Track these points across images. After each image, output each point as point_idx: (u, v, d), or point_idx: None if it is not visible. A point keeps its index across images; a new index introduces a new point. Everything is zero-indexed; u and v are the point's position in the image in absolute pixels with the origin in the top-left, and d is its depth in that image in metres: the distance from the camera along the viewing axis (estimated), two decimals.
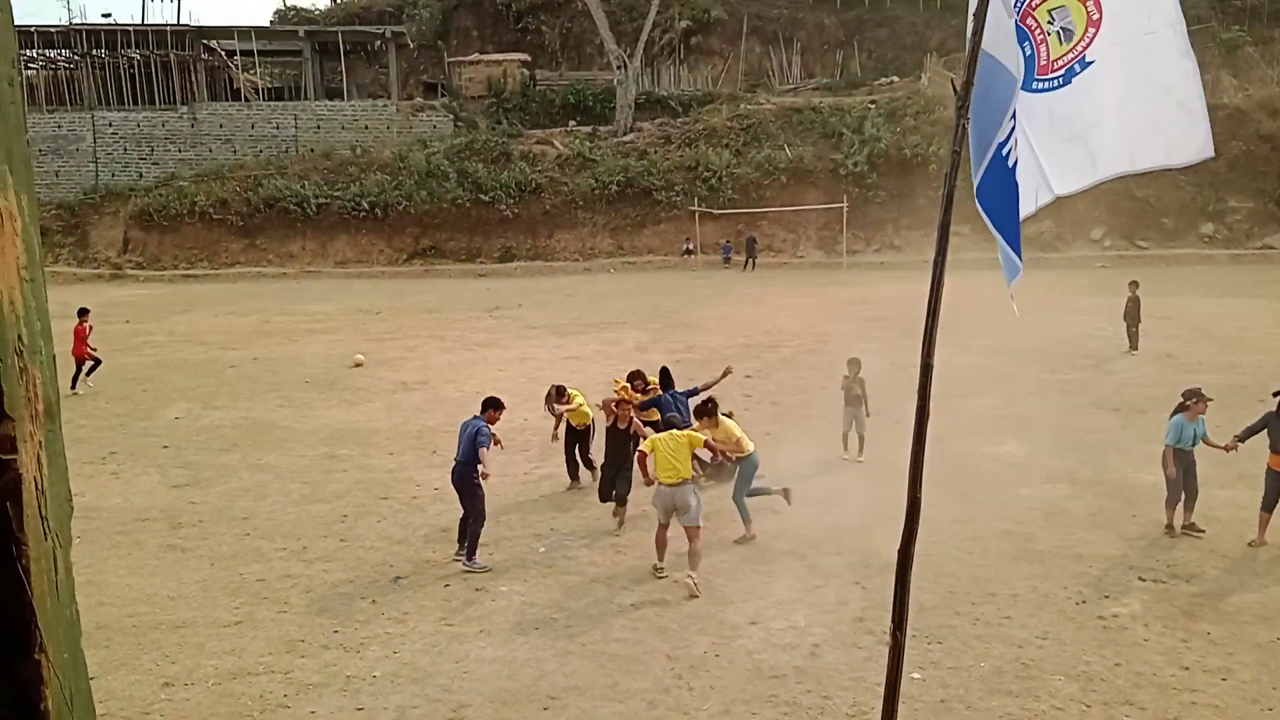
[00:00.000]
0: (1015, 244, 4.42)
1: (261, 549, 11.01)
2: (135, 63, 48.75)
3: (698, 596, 9.44)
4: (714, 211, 42.07)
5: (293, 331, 26.81)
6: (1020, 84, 4.32)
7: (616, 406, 12.00)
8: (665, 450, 9.82)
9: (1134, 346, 20.40)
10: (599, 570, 10.17)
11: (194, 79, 49.68)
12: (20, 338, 1.53)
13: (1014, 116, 4.27)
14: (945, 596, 9.23)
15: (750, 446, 11.13)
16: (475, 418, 10.61)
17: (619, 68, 46.84)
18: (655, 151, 44.57)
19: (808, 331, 24.24)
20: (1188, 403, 10.51)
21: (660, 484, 9.83)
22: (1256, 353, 19.92)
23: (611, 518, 11.52)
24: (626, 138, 45.91)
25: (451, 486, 10.66)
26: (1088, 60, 4.37)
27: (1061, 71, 4.39)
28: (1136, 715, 7.14)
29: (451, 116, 48.03)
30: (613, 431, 12.00)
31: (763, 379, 19.11)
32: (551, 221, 43.52)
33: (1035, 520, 11.18)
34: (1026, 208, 4.50)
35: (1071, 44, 4.36)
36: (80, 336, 19.15)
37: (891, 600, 4.23)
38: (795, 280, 35.63)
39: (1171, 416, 10.75)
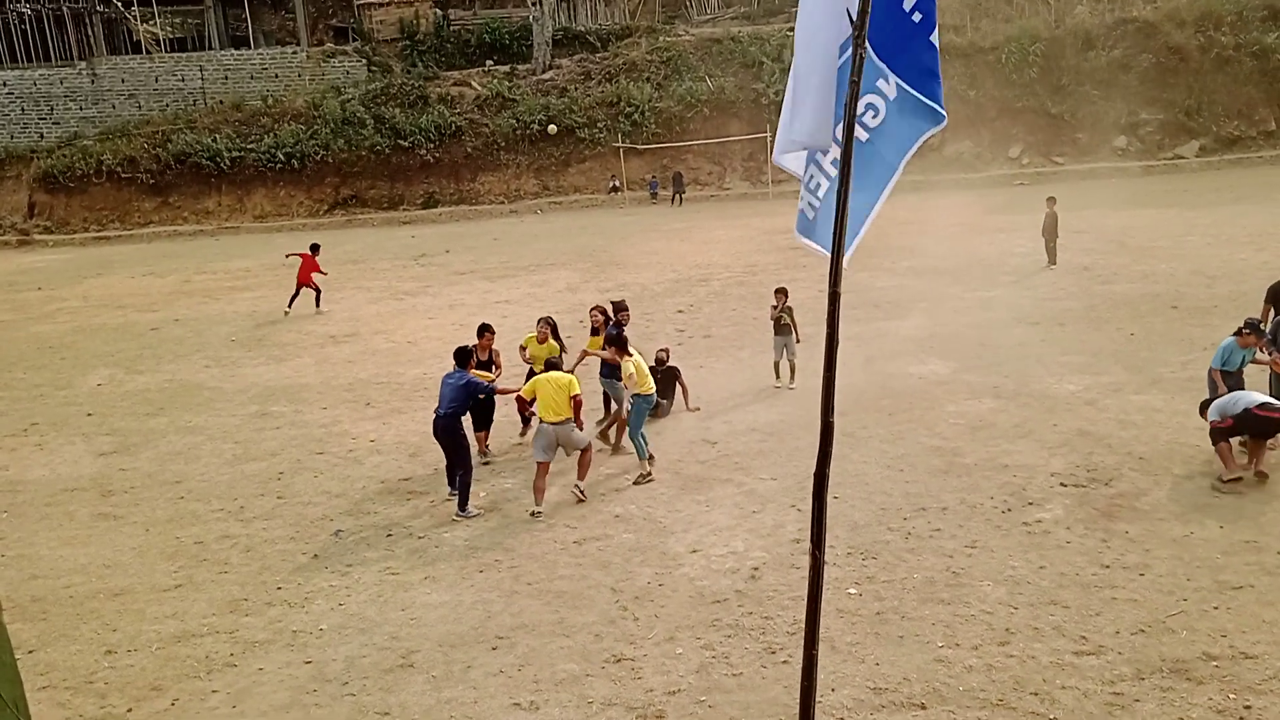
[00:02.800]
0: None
1: (197, 511, 10.89)
2: (26, 17, 46.45)
3: (585, 500, 10.25)
4: (638, 147, 41.76)
5: (214, 290, 26.19)
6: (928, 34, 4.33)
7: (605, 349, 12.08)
8: (548, 392, 10.16)
9: (1052, 261, 20.90)
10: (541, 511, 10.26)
11: (91, 32, 47.54)
12: None
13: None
14: (877, 513, 9.51)
15: (649, 388, 11.39)
16: (456, 370, 10.61)
17: (534, 4, 45.89)
18: (575, 88, 43.95)
19: (737, 263, 24.37)
20: (1243, 330, 10.62)
21: (543, 423, 10.16)
22: (1168, 260, 20.56)
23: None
24: (545, 75, 45.17)
25: (434, 439, 10.70)
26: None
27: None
28: (1060, 614, 7.47)
29: (364, 61, 46.71)
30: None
31: (694, 313, 19.23)
32: (474, 164, 42.83)
33: (962, 435, 11.51)
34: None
35: None
36: (308, 266, 21.80)
37: (823, 522, 4.35)
38: (722, 213, 35.68)
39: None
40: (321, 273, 22.35)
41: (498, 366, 12.14)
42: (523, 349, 12.57)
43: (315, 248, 22.63)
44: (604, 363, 12.05)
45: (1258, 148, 38.66)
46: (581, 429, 10.65)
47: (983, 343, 15.34)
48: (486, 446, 12.03)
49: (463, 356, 10.74)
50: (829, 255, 4.19)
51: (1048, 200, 21.13)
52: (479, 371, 11.10)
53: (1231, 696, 6.31)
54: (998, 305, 17.88)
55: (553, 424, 10.13)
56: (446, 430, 10.40)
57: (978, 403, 12.60)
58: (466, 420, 10.91)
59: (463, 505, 10.28)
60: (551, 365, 10.79)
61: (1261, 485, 9.51)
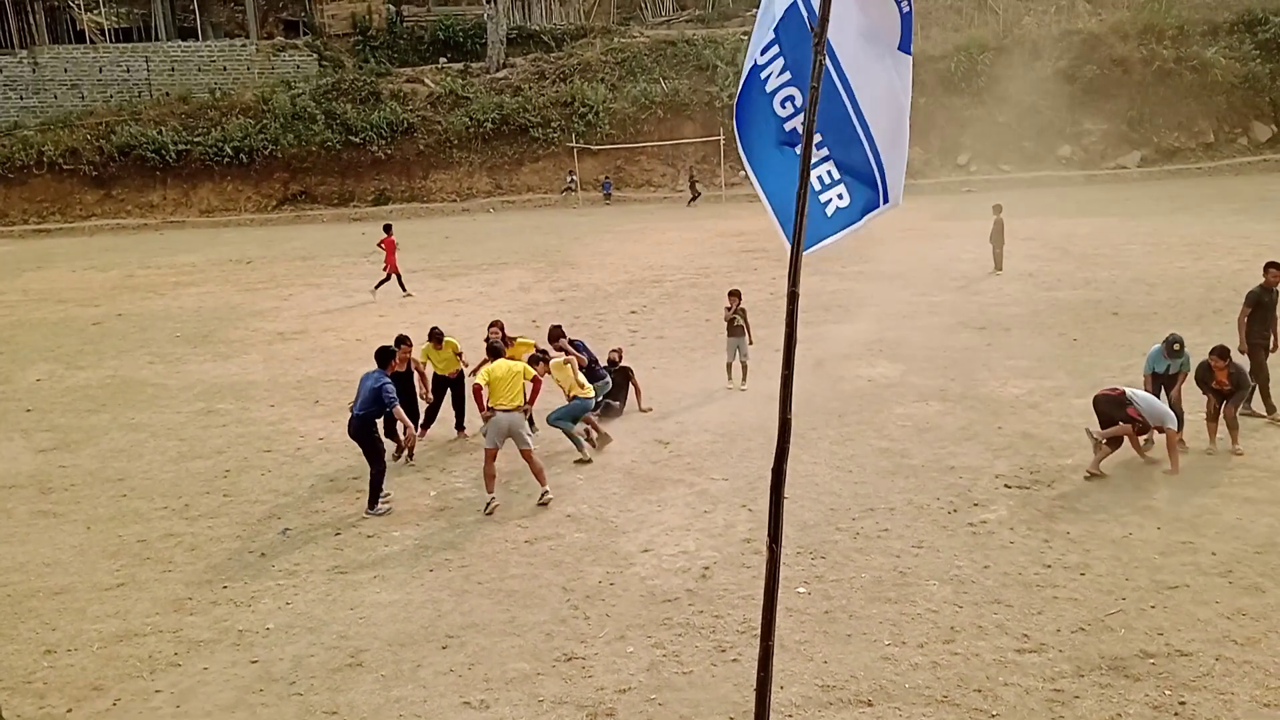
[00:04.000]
0: (765, 173, 4.19)
1: (140, 509, 10.70)
2: None
3: (551, 498, 10.23)
4: (592, 147, 41.76)
5: (159, 285, 25.72)
6: (898, 44, 4.10)
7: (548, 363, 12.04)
8: (503, 380, 10.14)
9: (999, 267, 21.26)
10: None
11: (32, 20, 46.40)
12: None
13: (775, 44, 4.08)
14: (826, 514, 9.62)
15: (587, 390, 11.64)
16: (376, 371, 10.42)
17: (489, 2, 45.70)
18: (529, 87, 43.84)
19: (689, 265, 24.47)
20: (1174, 346, 10.92)
21: (497, 410, 10.12)
22: (1110, 268, 21.01)
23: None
24: (500, 74, 45.00)
25: (350, 437, 10.56)
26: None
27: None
28: (1004, 612, 7.62)
29: (316, 56, 46.17)
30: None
31: (647, 314, 19.28)
32: (426, 162, 42.54)
33: (909, 437, 11.68)
34: (897, 191, 4.19)
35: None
36: (390, 249, 22.34)
37: (780, 516, 4.40)
38: (675, 215, 35.80)
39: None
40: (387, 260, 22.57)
41: (421, 375, 12.27)
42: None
43: (389, 228, 23.35)
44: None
45: (1196, 159, 39.70)
46: (532, 422, 10.70)
47: (930, 346, 15.57)
48: (411, 450, 11.82)
49: (383, 357, 10.56)
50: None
51: (994, 208, 21.49)
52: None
53: (1167, 693, 6.49)
54: (945, 310, 18.16)
55: (505, 411, 10.09)
56: (358, 431, 10.29)
57: (925, 405, 12.79)
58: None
59: (372, 504, 10.23)
60: (497, 352, 10.78)
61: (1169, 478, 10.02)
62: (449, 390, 12.72)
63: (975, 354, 15.05)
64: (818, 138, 4.03)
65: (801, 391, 12.51)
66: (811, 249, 4.14)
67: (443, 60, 46.52)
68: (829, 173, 4.14)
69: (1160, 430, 10.24)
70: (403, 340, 11.71)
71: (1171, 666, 6.78)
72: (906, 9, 4.07)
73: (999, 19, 43.90)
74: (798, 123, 4.07)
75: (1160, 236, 24.57)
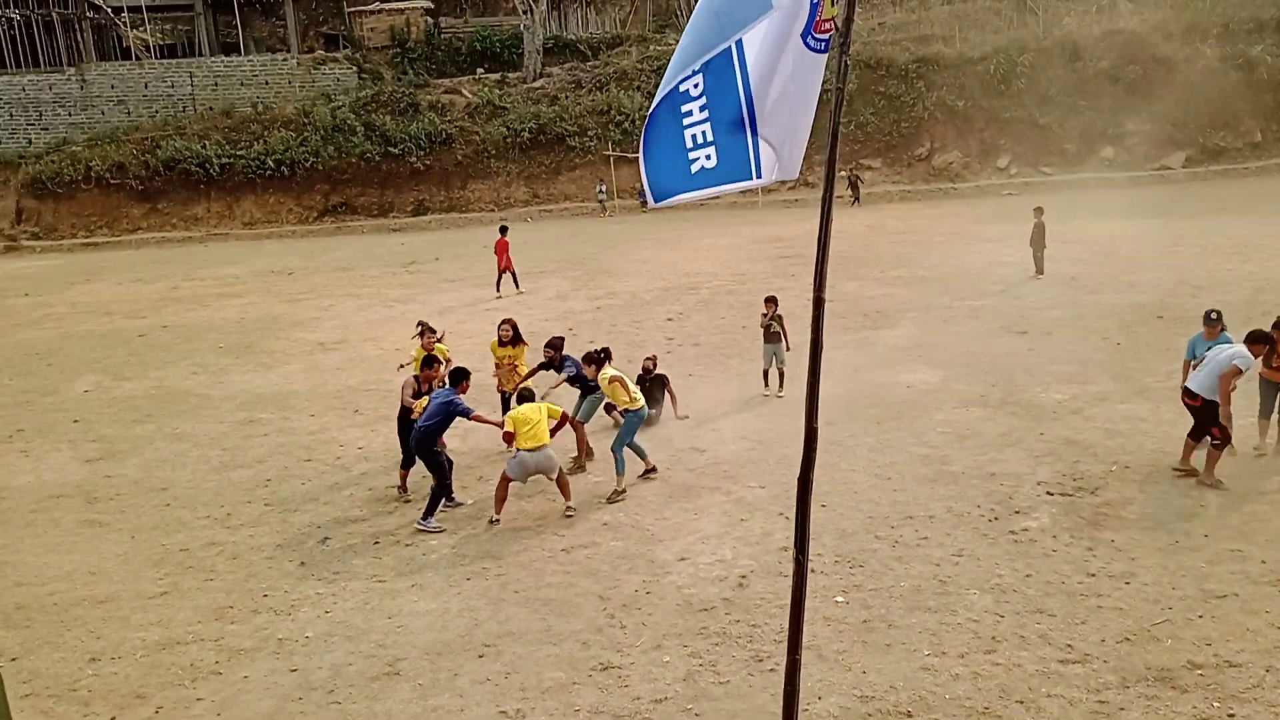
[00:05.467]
0: (661, 177, 4.28)
1: (183, 518, 10.85)
2: (15, 23, 46.34)
3: (575, 511, 10.16)
4: (629, 155, 41.81)
5: (203, 297, 26.12)
6: (801, 32, 4.14)
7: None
8: (526, 425, 10.02)
9: (1040, 271, 20.99)
10: (528, 518, 10.25)
11: (80, 38, 47.48)
12: None
13: (703, 69, 4.13)
14: (865, 521, 9.53)
15: (637, 402, 11.14)
16: (447, 389, 10.52)
17: (525, 12, 45.98)
18: (566, 97, 44.04)
19: (726, 272, 24.41)
20: (1205, 322, 10.75)
21: (521, 451, 10.03)
22: (1154, 270, 20.67)
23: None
24: (536, 84, 45.25)
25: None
26: (827, 46, 4.19)
27: (826, 36, 4.15)
28: (1047, 622, 7.49)
29: (355, 68, 46.74)
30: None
31: (683, 321, 19.25)
32: (464, 172, 42.86)
33: (949, 443, 11.54)
34: (768, 173, 4.27)
35: (835, 10, 4.14)
36: (501, 250, 23.35)
37: (806, 527, 4.36)
38: (712, 221, 35.74)
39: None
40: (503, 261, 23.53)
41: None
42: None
43: (504, 229, 24.37)
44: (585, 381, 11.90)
45: (1243, 159, 38.97)
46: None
47: (971, 352, 15.39)
48: (405, 486, 11.23)
49: (456, 377, 10.58)
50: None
51: (1035, 210, 21.23)
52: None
53: (1216, 705, 6.34)
54: (986, 314, 17.96)
55: (531, 451, 10.00)
56: (419, 444, 10.33)
57: (965, 411, 12.64)
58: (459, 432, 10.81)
59: (426, 515, 10.19)
60: (524, 398, 10.49)
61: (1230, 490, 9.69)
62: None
63: (1017, 359, 14.86)
64: (704, 100, 4.17)
65: (840, 398, 12.51)
66: (666, 201, 4.31)
67: (480, 71, 46.89)
68: (704, 134, 4.22)
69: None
70: (432, 361, 11.41)
71: (1220, 678, 6.62)
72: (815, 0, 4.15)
73: (1039, 20, 43.41)
74: (702, 155, 4.27)
75: (1206, 238, 24.13)
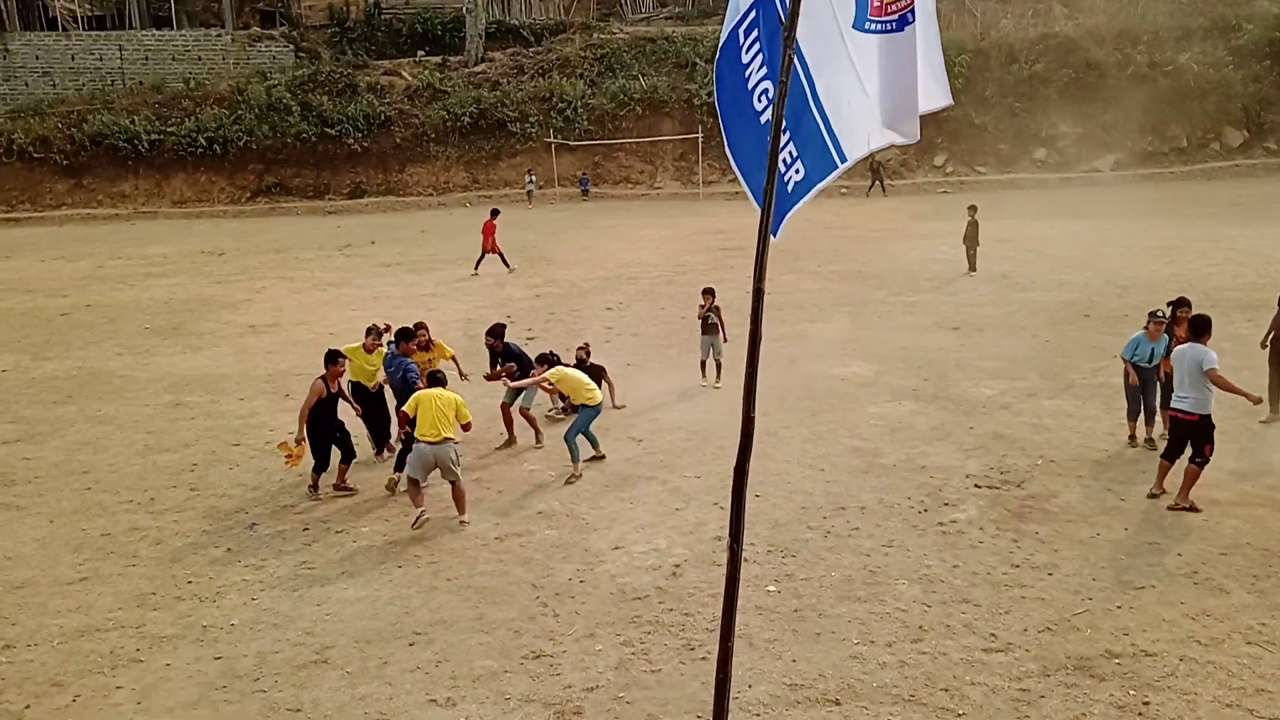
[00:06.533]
0: (756, 178, 4.46)
1: (105, 503, 10.56)
2: None
3: (468, 523, 9.62)
4: (570, 143, 41.67)
5: (129, 276, 25.43)
6: (853, 21, 4.35)
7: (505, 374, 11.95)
8: (431, 409, 9.55)
9: (973, 268, 21.37)
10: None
11: (4, 6, 45.76)
12: None
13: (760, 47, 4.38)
14: (798, 512, 9.62)
15: (596, 397, 11.11)
16: (396, 355, 10.96)
17: None
18: (508, 82, 43.68)
19: (666, 263, 24.45)
20: (1148, 324, 10.82)
21: (419, 442, 9.57)
22: (1083, 270, 21.17)
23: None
24: (478, 68, 44.80)
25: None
26: (913, 15, 4.40)
27: (895, 17, 4.40)
28: (972, 612, 7.64)
29: (292, 47, 45.80)
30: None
31: (623, 310, 19.24)
32: (403, 155, 42.31)
33: (882, 436, 11.70)
34: (858, 149, 4.53)
35: None
36: (489, 232, 23.84)
37: (742, 516, 4.38)
38: (653, 211, 35.78)
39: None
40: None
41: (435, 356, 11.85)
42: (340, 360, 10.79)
43: (495, 212, 24.65)
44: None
45: (1169, 163, 40.07)
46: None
47: (904, 346, 15.62)
48: (345, 480, 10.78)
49: (404, 334, 11.08)
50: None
51: (969, 209, 21.60)
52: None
53: (1131, 693, 6.52)
54: (919, 310, 18.23)
55: (430, 443, 9.48)
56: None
57: (898, 405, 12.83)
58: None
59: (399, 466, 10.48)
60: (435, 380, 9.95)
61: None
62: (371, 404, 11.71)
63: (949, 354, 15.11)
64: (785, 123, 4.37)
65: (775, 389, 12.61)
66: (779, 226, 4.46)
67: (421, 53, 46.27)
68: (790, 154, 4.44)
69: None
70: (335, 356, 10.69)
71: (1136, 667, 6.82)
72: None
73: (977, 21, 44.14)
74: (792, 172, 4.52)
75: (1133, 240, 24.78)
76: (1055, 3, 45.00)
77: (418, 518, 9.66)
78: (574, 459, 10.87)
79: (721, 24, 4.74)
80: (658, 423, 12.55)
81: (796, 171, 4.50)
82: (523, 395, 11.83)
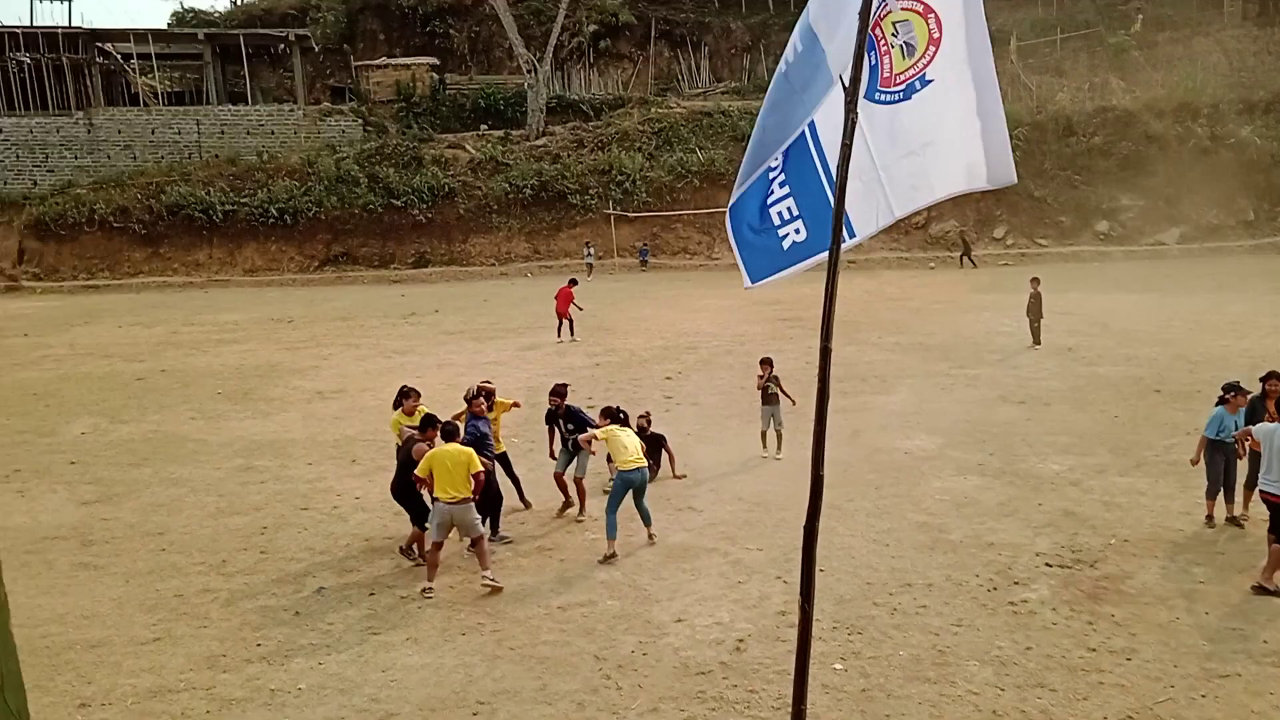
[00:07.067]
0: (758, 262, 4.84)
1: (178, 564, 10.76)
2: (25, 66, 46.94)
3: (501, 588, 9.63)
4: (629, 215, 42.28)
5: (202, 342, 26.15)
6: (864, 94, 4.50)
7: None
8: (444, 467, 9.59)
9: (1037, 341, 21.14)
10: (525, 574, 10.19)
11: (89, 83, 48.08)
12: None
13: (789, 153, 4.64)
14: (863, 588, 9.49)
15: (631, 465, 10.54)
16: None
17: (529, 71, 46.75)
18: (568, 155, 44.63)
19: (724, 332, 24.55)
20: (1227, 396, 10.55)
21: (438, 501, 9.63)
22: (1151, 345, 20.83)
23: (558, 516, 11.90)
24: (539, 141, 45.86)
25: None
26: (928, 78, 4.48)
27: (903, 86, 4.50)
28: (1048, 697, 7.44)
29: (360, 121, 47.35)
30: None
31: (682, 380, 19.31)
32: (466, 226, 43.25)
33: (947, 511, 11.54)
34: (868, 228, 4.66)
35: (913, 60, 4.48)
36: (565, 299, 24.57)
37: (813, 576, 4.37)
38: (711, 282, 36.02)
39: (1215, 408, 10.71)
40: (578, 307, 25.05)
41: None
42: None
43: (573, 282, 25.60)
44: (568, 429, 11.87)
45: (1236, 237, 39.50)
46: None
47: (968, 419, 15.45)
48: (413, 545, 10.63)
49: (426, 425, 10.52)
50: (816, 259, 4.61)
51: (1032, 281, 21.46)
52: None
53: None
54: (983, 383, 18.05)
55: (449, 503, 9.54)
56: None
57: (963, 479, 12.66)
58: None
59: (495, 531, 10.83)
60: (449, 435, 9.97)
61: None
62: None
63: (1014, 428, 14.91)
64: (783, 176, 4.71)
65: (838, 462, 12.51)
66: (766, 280, 4.88)
67: (484, 127, 47.52)
68: (789, 209, 4.70)
69: None
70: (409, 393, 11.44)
71: None
72: (874, 62, 4.56)
73: (1033, 95, 44.23)
74: (791, 230, 4.82)
75: (1202, 314, 24.36)
76: (1111, 76, 44.99)
77: (425, 588, 9.65)
78: (610, 535, 10.47)
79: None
80: (718, 493, 12.52)
81: (796, 231, 4.71)
82: (575, 464, 11.83)
